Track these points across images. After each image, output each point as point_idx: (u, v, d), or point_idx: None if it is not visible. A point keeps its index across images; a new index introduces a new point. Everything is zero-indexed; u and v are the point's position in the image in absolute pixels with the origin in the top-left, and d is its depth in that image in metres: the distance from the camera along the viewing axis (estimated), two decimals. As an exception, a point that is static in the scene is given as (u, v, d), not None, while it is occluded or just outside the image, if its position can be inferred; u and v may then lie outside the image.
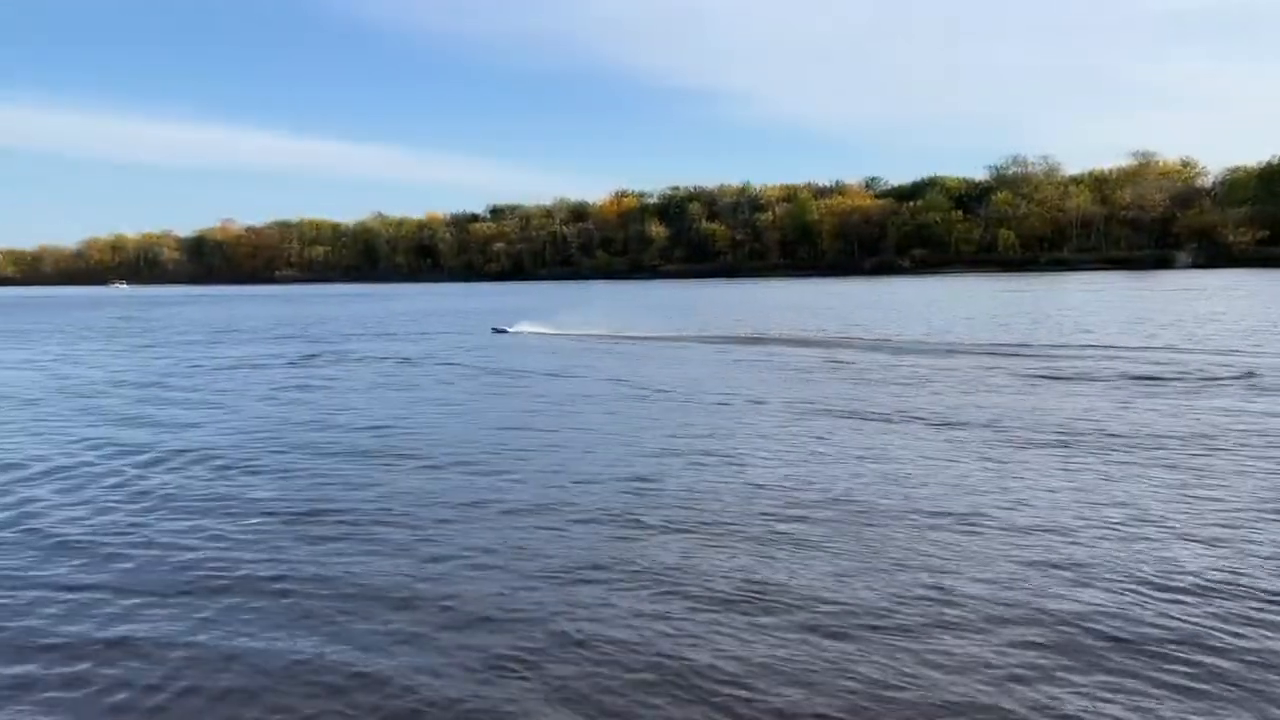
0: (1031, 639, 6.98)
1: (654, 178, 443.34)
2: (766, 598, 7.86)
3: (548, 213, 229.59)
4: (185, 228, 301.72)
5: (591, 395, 20.56)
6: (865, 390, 20.34)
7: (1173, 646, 6.83)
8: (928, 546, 9.13)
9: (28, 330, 52.29)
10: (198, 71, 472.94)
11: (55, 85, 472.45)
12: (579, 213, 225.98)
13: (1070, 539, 9.31)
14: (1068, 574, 8.32)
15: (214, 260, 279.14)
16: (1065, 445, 13.97)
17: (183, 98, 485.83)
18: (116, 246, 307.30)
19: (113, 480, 12.81)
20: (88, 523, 10.62)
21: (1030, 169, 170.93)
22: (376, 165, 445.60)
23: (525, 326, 45.50)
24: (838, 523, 10.00)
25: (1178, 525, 9.71)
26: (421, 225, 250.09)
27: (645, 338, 37.10)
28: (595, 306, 65.85)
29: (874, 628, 7.21)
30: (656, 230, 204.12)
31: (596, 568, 8.67)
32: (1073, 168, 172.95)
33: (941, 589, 7.99)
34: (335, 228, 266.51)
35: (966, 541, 9.28)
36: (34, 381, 25.47)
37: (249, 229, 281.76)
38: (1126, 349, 27.39)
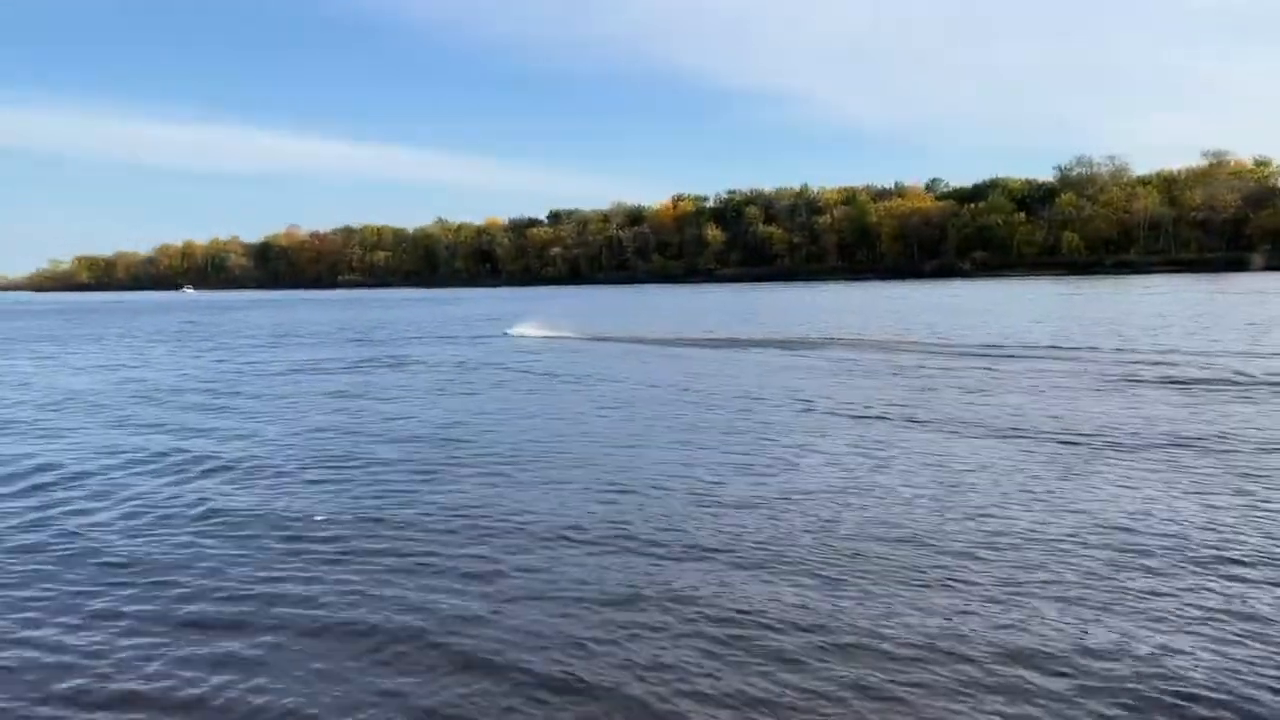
0: (1114, 685, 6.41)
1: (711, 181, 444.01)
2: (822, 628, 7.47)
3: (605, 217, 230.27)
4: (252, 234, 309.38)
5: (637, 400, 20.39)
6: (926, 396, 19.83)
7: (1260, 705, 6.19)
8: (997, 569, 8.70)
9: (101, 335, 53.77)
10: (265, 80, 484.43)
11: (130, 95, 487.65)
12: (635, 217, 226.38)
13: (1150, 563, 8.78)
14: (1149, 604, 7.79)
15: (279, 266, 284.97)
16: (1135, 451, 13.39)
17: (252, 106, 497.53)
18: (186, 253, 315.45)
19: (171, 489, 12.93)
20: (145, 533, 10.68)
21: (1096, 170, 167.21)
22: (437, 171, 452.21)
23: (526, 329, 45.88)
24: (901, 541, 9.60)
25: (1271, 548, 9.13)
26: (480, 231, 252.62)
27: (663, 340, 37.06)
28: (653, 311, 66.02)
29: (940, 663, 6.78)
30: (713, 234, 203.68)
31: (646, 593, 8.36)
32: (1141, 168, 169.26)
33: (1012, 619, 7.57)
34: (396, 233, 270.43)
35: (1041, 558, 8.85)
36: (104, 385, 26.11)
37: (313, 235, 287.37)
38: (1195, 353, 26.53)
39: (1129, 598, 7.91)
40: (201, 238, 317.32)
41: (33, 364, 34.39)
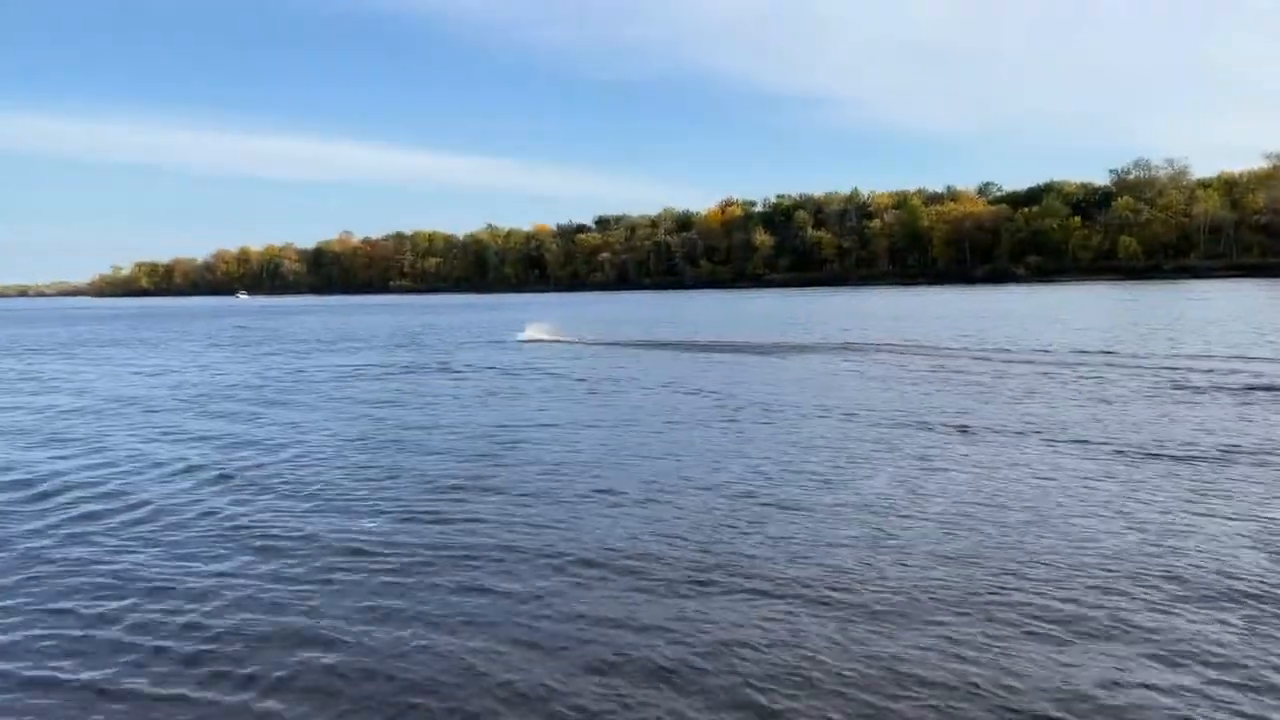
0: None
1: (760, 186, 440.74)
2: (871, 657, 7.22)
3: (653, 222, 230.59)
4: (306, 240, 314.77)
5: (681, 408, 20.26)
6: (975, 404, 19.41)
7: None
8: (1049, 595, 8.38)
9: (159, 340, 54.95)
10: (317, 87, 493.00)
11: (192, 105, 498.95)
12: (684, 222, 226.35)
13: (1208, 591, 8.38)
14: (1209, 642, 7.42)
15: (332, 271, 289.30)
16: (1190, 462, 12.95)
17: (308, 114, 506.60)
18: (242, 259, 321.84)
19: (214, 499, 13.15)
20: (179, 552, 10.87)
21: (1155, 172, 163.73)
22: (488, 177, 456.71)
23: (537, 333, 46.30)
24: (948, 559, 9.35)
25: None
26: (529, 236, 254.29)
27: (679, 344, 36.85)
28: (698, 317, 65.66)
29: (983, 701, 6.47)
30: (761, 239, 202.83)
31: (688, 633, 8.07)
32: (1201, 170, 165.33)
33: (1063, 652, 7.27)
34: (447, 239, 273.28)
35: (1098, 581, 8.52)
36: (160, 391, 26.66)
37: (365, 241, 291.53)
38: (1256, 360, 25.82)
39: (1184, 632, 7.57)
40: (257, 244, 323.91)
41: (93, 368, 35.27)
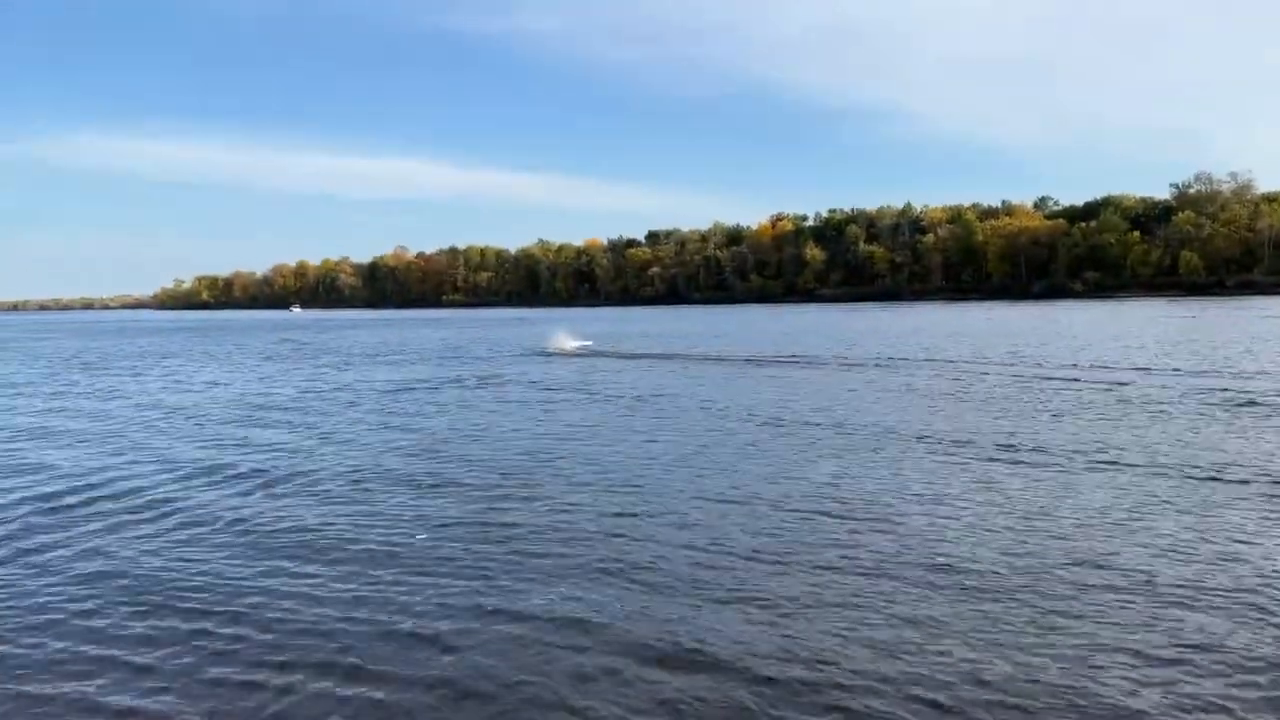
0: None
1: (812, 200, 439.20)
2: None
3: (703, 237, 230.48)
4: (362, 254, 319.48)
5: (719, 427, 20.25)
6: (1021, 423, 19.12)
7: None
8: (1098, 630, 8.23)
9: (216, 352, 56.24)
10: (379, 107, 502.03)
11: (252, 124, 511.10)
12: (734, 236, 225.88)
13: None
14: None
15: (387, 285, 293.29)
16: (1247, 485, 12.58)
17: (367, 133, 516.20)
18: (299, 273, 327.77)
19: (260, 507, 13.44)
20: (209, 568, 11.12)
21: (1218, 186, 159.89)
22: (540, 193, 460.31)
23: (568, 343, 46.87)
24: (994, 596, 9.25)
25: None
26: (581, 251, 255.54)
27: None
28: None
29: None
30: (813, 253, 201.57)
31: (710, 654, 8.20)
32: (1267, 184, 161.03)
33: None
34: (499, 254, 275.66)
35: (1154, 615, 8.32)
36: (221, 403, 27.36)
37: (419, 255, 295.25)
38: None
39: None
40: (314, 258, 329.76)
41: (155, 381, 36.35)
